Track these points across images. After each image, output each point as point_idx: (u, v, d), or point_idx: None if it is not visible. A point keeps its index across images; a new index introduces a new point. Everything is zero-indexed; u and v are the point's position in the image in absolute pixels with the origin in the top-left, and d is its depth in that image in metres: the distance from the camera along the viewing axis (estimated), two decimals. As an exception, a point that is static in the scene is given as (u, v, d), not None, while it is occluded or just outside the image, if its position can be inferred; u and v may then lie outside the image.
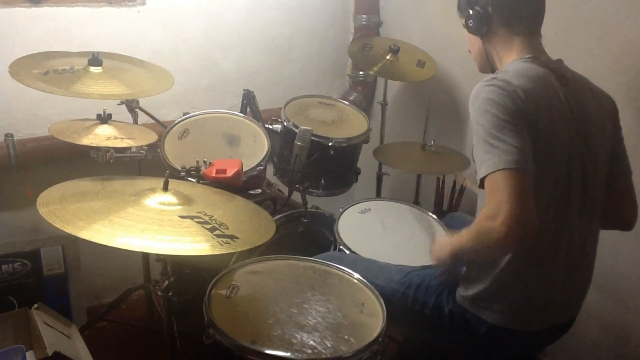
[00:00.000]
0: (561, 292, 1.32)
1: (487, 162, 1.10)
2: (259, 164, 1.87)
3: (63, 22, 2.01)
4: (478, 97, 1.19)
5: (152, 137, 1.75)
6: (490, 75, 1.24)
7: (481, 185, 1.14)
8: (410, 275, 1.48)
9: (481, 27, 1.33)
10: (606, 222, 1.41)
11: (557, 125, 1.22)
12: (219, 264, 1.61)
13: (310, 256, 1.58)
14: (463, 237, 1.21)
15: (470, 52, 1.45)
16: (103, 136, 1.65)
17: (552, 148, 1.21)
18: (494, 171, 1.09)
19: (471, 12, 1.33)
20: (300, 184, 1.96)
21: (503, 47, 1.34)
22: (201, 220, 1.30)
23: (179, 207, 1.35)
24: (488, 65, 1.40)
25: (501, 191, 1.06)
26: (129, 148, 1.76)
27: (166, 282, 1.44)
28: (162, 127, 1.99)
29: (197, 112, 2.01)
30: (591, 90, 1.34)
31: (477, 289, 1.32)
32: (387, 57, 2.31)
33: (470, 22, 1.34)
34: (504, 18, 1.31)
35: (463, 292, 1.36)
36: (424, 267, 1.52)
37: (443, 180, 2.39)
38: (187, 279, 1.79)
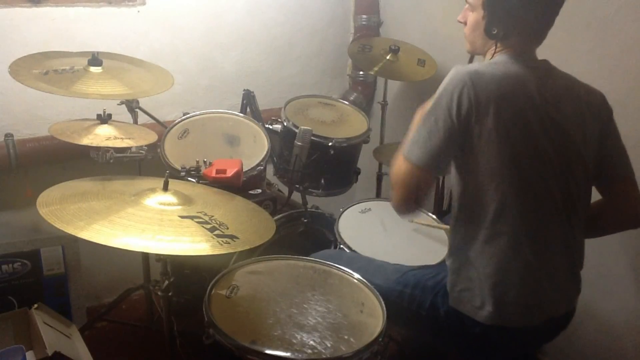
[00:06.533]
0: (550, 287, 1.32)
1: (410, 143, 1.26)
2: (259, 164, 1.87)
3: (63, 22, 2.01)
4: (451, 77, 1.24)
5: (152, 137, 1.75)
6: (476, 65, 1.28)
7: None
8: (407, 275, 1.48)
9: (500, 34, 1.31)
10: (617, 225, 1.44)
11: (526, 115, 1.24)
12: (219, 264, 1.61)
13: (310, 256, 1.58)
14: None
15: (463, 25, 1.42)
16: (103, 136, 1.65)
17: (522, 141, 1.24)
18: (407, 158, 1.26)
19: (498, 21, 1.29)
20: (300, 184, 1.96)
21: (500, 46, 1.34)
22: (201, 220, 1.30)
23: (179, 207, 1.35)
24: (479, 53, 1.42)
25: (402, 177, 1.27)
26: (129, 148, 1.76)
27: (166, 282, 1.44)
28: (162, 127, 1.99)
29: (197, 112, 2.01)
30: (572, 90, 1.33)
31: (465, 292, 1.33)
32: (387, 57, 2.31)
33: (494, 30, 1.30)
34: (524, 32, 1.31)
35: (454, 295, 1.36)
36: (421, 267, 1.52)
37: (443, 180, 2.39)
38: (187, 279, 1.80)
